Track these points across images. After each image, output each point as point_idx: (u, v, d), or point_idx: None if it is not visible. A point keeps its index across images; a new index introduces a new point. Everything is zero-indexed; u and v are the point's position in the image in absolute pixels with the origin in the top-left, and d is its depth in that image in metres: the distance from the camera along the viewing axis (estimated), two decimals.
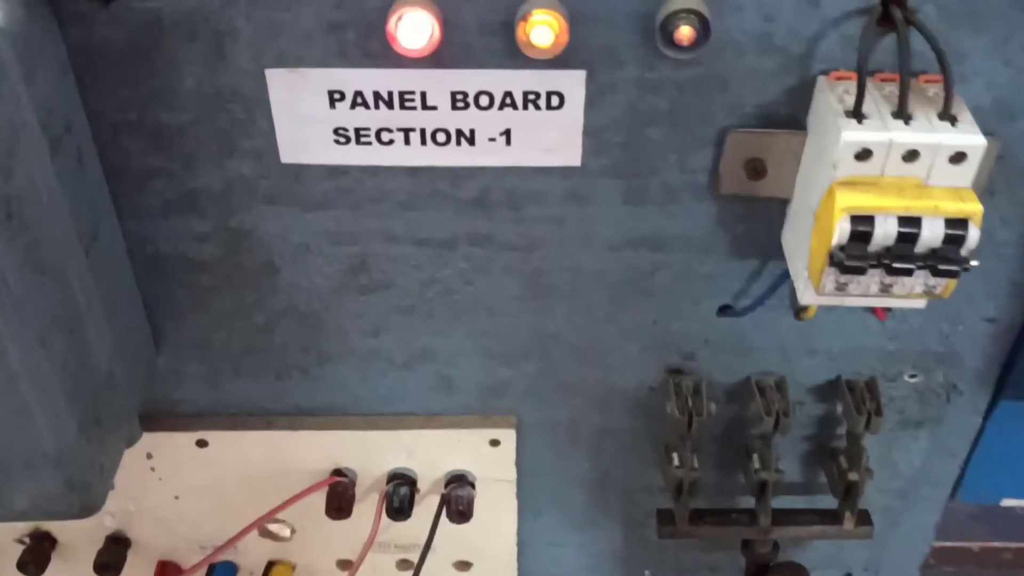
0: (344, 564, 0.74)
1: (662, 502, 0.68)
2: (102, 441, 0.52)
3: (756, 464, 0.63)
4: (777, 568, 0.69)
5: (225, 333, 0.60)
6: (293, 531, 0.72)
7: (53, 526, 0.70)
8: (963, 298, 0.58)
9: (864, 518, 0.66)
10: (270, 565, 0.73)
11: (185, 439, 0.65)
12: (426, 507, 0.68)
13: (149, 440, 0.63)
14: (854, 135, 0.45)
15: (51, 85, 0.45)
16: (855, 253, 0.45)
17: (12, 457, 0.48)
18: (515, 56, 0.48)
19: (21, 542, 0.71)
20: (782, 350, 0.61)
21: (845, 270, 0.46)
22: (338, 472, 0.67)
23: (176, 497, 0.69)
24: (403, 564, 0.73)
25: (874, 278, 0.47)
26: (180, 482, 0.68)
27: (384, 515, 0.67)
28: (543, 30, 0.46)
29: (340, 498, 0.66)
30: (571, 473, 0.69)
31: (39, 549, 0.70)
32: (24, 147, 0.42)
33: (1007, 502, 0.69)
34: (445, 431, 0.65)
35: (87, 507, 0.51)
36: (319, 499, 0.68)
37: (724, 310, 0.59)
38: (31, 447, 0.48)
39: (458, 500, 0.66)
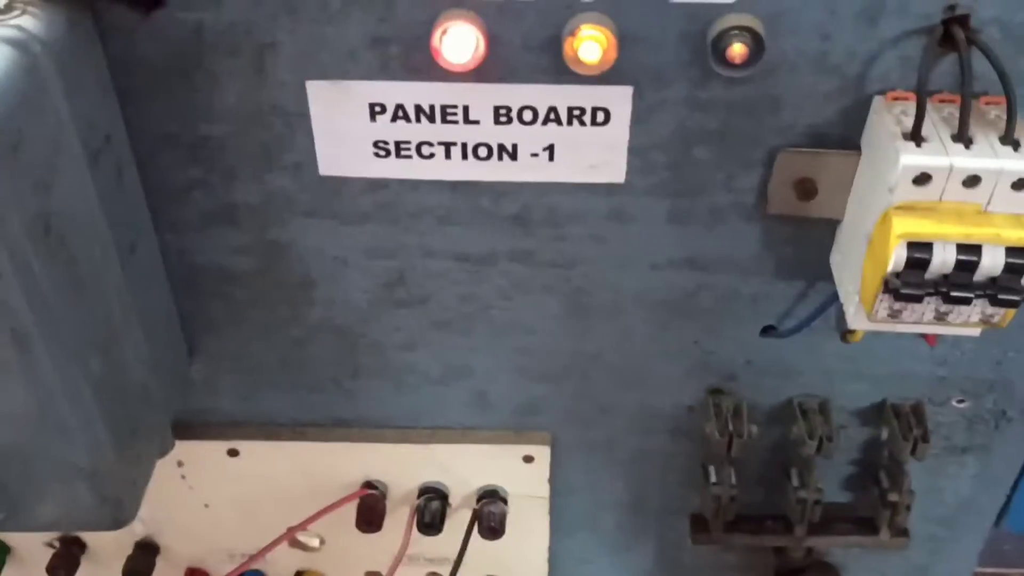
0: (372, 575, 0.73)
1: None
2: (135, 454, 0.51)
3: (795, 482, 0.62)
4: (810, 568, 0.67)
5: (260, 345, 0.60)
6: (322, 542, 0.71)
7: (83, 532, 0.70)
8: (1016, 325, 0.56)
9: (900, 531, 0.64)
10: (299, 575, 0.73)
11: (217, 448, 0.64)
12: (458, 521, 0.67)
13: (181, 449, 0.62)
14: (913, 159, 0.43)
15: (91, 98, 0.45)
16: (911, 281, 0.44)
17: (46, 470, 0.48)
18: (560, 72, 0.47)
19: (51, 546, 0.71)
20: (826, 373, 0.60)
21: (900, 297, 0.44)
22: (369, 485, 0.66)
23: (206, 505, 0.68)
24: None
25: (930, 306, 0.45)
26: (211, 491, 0.67)
27: (415, 529, 0.66)
28: (591, 45, 0.45)
29: (371, 511, 0.65)
30: (605, 493, 0.68)
31: (69, 554, 0.70)
32: (64, 162, 0.42)
33: None
34: (479, 446, 0.64)
35: (118, 520, 0.51)
36: (350, 511, 0.67)
37: (768, 331, 0.58)
38: (65, 461, 0.47)
39: (490, 516, 0.65)
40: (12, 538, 0.71)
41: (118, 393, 0.48)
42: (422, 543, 0.69)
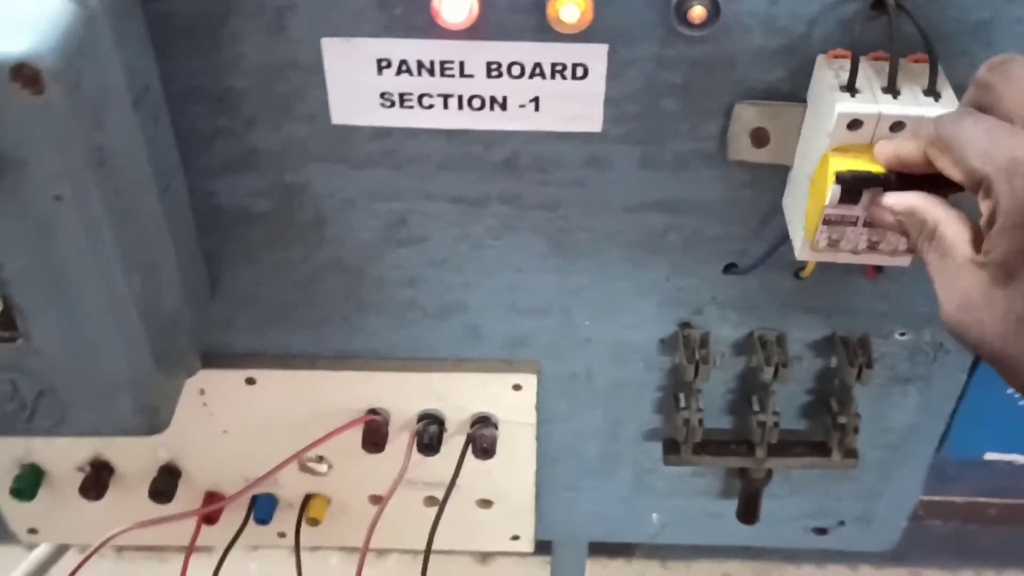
0: (376, 499, 0.80)
1: None
2: (169, 369, 0.58)
3: (756, 407, 0.69)
4: None
5: (275, 282, 0.66)
6: (330, 467, 0.78)
7: (112, 456, 0.77)
8: None
9: (850, 453, 0.71)
10: (307, 498, 0.80)
11: (236, 376, 0.71)
12: (453, 447, 0.74)
13: (202, 377, 0.69)
14: (847, 106, 0.50)
15: (134, 50, 0.51)
16: (844, 213, 0.51)
17: (93, 379, 0.54)
18: (544, 31, 0.53)
19: (81, 470, 0.78)
20: (782, 307, 0.67)
21: (834, 222, 0.51)
22: (373, 411, 0.73)
23: (225, 432, 0.75)
24: (430, 500, 0.80)
25: (862, 236, 0.52)
26: (229, 418, 0.74)
27: (415, 451, 0.73)
28: (571, 8, 0.52)
29: (375, 434, 0.72)
30: (586, 422, 0.75)
31: (98, 477, 0.77)
32: (113, 104, 0.48)
33: (990, 456, 0.74)
34: (472, 375, 0.71)
35: (154, 427, 0.58)
36: (355, 438, 0.74)
37: (729, 268, 0.65)
38: (111, 371, 0.54)
39: (483, 438, 0.72)
40: (45, 462, 0.77)
41: (156, 313, 0.55)
42: (420, 468, 0.76)
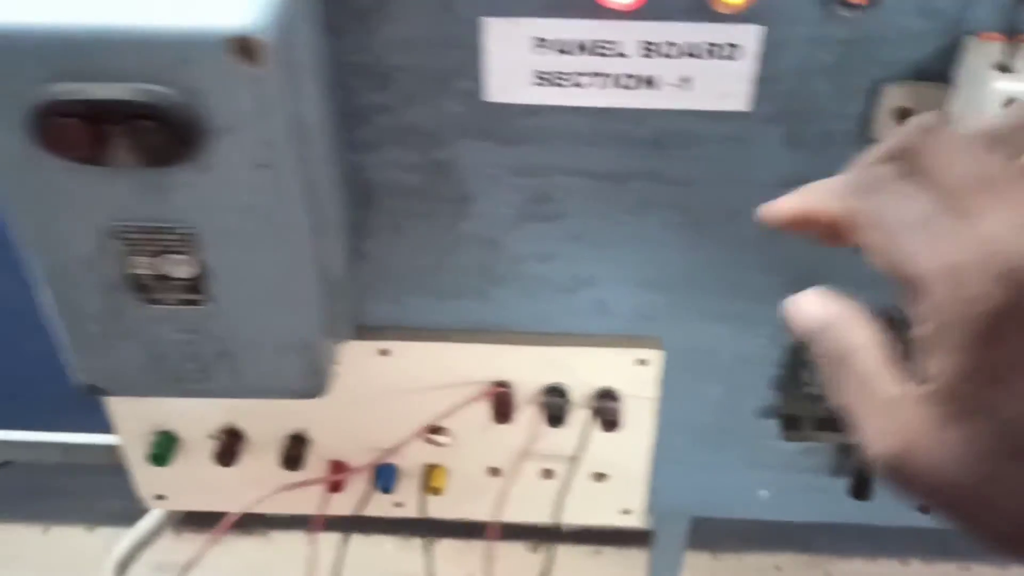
0: (494, 471, 0.82)
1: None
2: (333, 335, 0.61)
3: None
4: None
5: (415, 255, 0.69)
6: (452, 438, 0.81)
7: (243, 424, 0.80)
8: None
9: None
10: (428, 468, 0.82)
11: (370, 347, 0.74)
12: (575, 420, 0.76)
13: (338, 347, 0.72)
14: (1003, 85, 0.52)
15: (314, 28, 0.54)
16: None
17: (269, 341, 0.57)
18: (701, 11, 0.55)
19: (212, 438, 0.81)
20: None
21: None
22: (500, 383, 0.75)
23: (354, 401, 0.78)
24: (545, 473, 0.82)
25: None
26: (360, 387, 0.77)
27: (541, 423, 0.75)
28: None
29: (504, 405, 0.74)
30: (706, 396, 0.77)
31: (231, 444, 0.80)
32: (305, 77, 0.51)
33: None
34: (597, 349, 0.73)
35: (318, 389, 0.60)
36: (478, 412, 0.77)
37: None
38: (285, 334, 0.57)
39: (608, 411, 0.74)
40: (179, 430, 0.81)
41: (326, 279, 0.58)
42: (539, 440, 0.78)
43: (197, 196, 0.50)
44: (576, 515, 0.85)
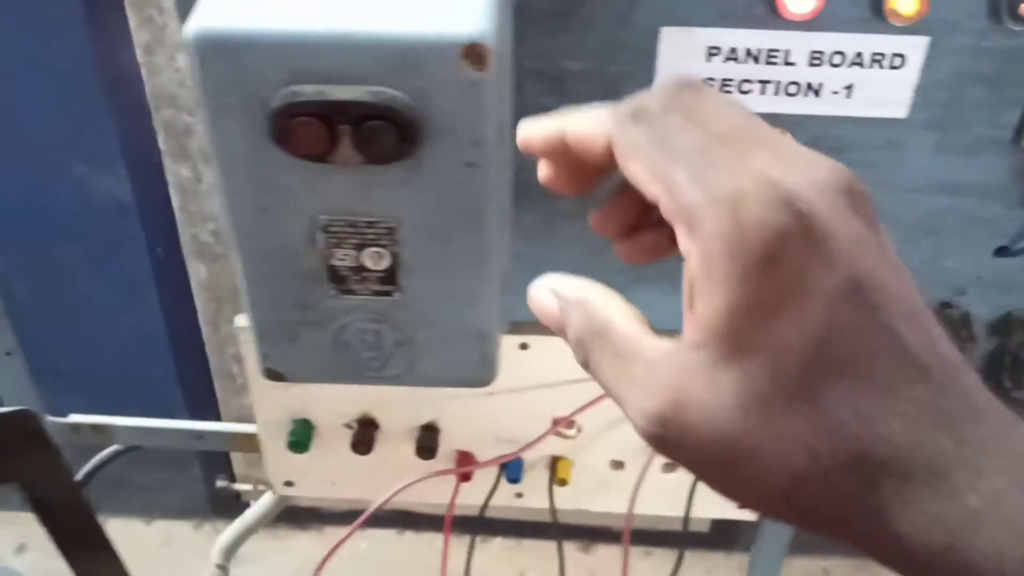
0: (616, 464, 0.85)
1: None
2: (502, 325, 0.64)
3: (1008, 384, 0.73)
4: None
5: (565, 253, 0.72)
6: (579, 431, 0.83)
7: (378, 413, 0.83)
8: None
9: None
10: (554, 460, 0.85)
11: (511, 341, 0.77)
12: None
13: None
14: None
15: (509, 39, 0.57)
16: None
17: (448, 331, 0.60)
18: (869, 22, 0.58)
19: (348, 427, 0.84)
20: None
21: None
22: None
23: (489, 393, 0.81)
24: (667, 467, 0.85)
25: None
26: (498, 380, 0.80)
27: None
28: (907, 1, 0.56)
29: None
30: None
31: (366, 433, 0.83)
32: (505, 80, 0.54)
33: None
34: None
35: (488, 378, 0.63)
36: (608, 405, 0.79)
37: (1001, 251, 0.69)
38: (465, 323, 0.60)
39: None
40: (315, 419, 0.84)
41: (501, 270, 0.61)
42: None
43: (406, 192, 0.53)
44: (697, 508, 0.87)
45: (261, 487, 2.28)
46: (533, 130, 0.35)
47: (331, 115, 0.49)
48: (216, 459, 2.19)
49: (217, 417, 2.09)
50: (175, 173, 1.68)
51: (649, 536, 2.27)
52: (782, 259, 0.27)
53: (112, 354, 1.86)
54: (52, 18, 1.42)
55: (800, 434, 0.27)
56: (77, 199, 1.63)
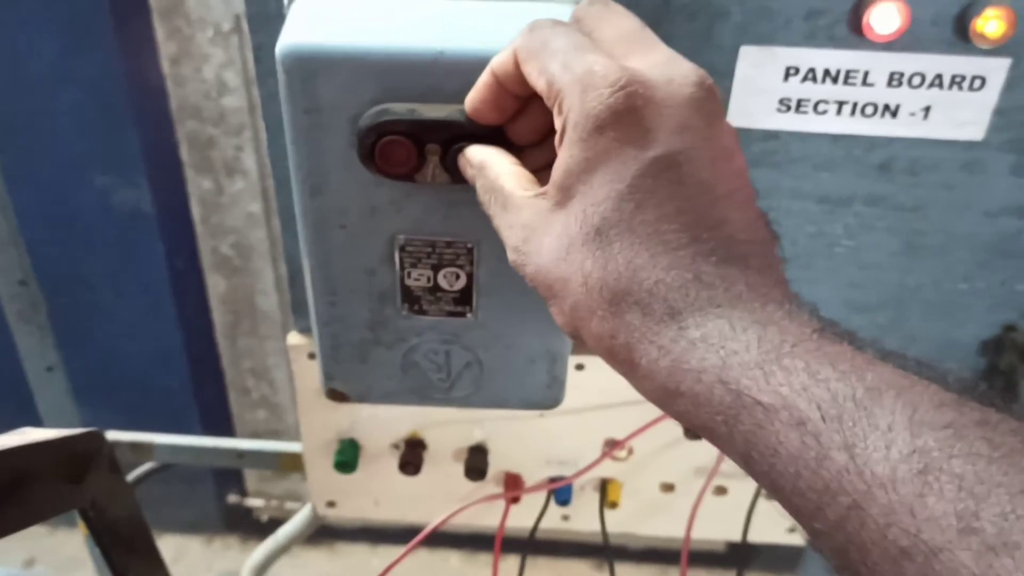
0: (667, 487, 0.84)
1: None
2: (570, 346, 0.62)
3: None
4: None
5: None
6: (630, 453, 0.82)
7: (427, 434, 0.82)
8: None
9: None
10: (603, 482, 0.84)
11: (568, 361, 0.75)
12: None
13: None
14: None
15: None
16: None
17: (518, 352, 0.59)
18: (950, 45, 0.57)
19: (395, 447, 0.83)
20: None
21: None
22: None
23: (541, 415, 0.80)
24: (719, 490, 0.83)
25: None
26: None
27: None
28: (994, 23, 0.55)
29: None
30: None
31: (414, 453, 0.82)
32: None
33: None
34: None
35: (556, 400, 0.62)
36: (661, 427, 0.78)
37: None
38: (536, 344, 0.59)
39: None
40: (362, 439, 0.82)
41: None
42: (699, 456, 0.79)
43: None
44: (738, 531, 0.86)
45: (274, 502, 2.27)
46: (476, 94, 0.43)
47: (421, 134, 0.48)
48: (228, 474, 2.18)
49: (231, 432, 2.07)
50: (197, 185, 1.67)
51: (664, 555, 2.26)
52: (608, 130, 0.33)
53: (128, 366, 1.85)
54: (80, 28, 1.41)
55: (586, 271, 0.34)
56: (98, 210, 1.62)
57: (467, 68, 0.47)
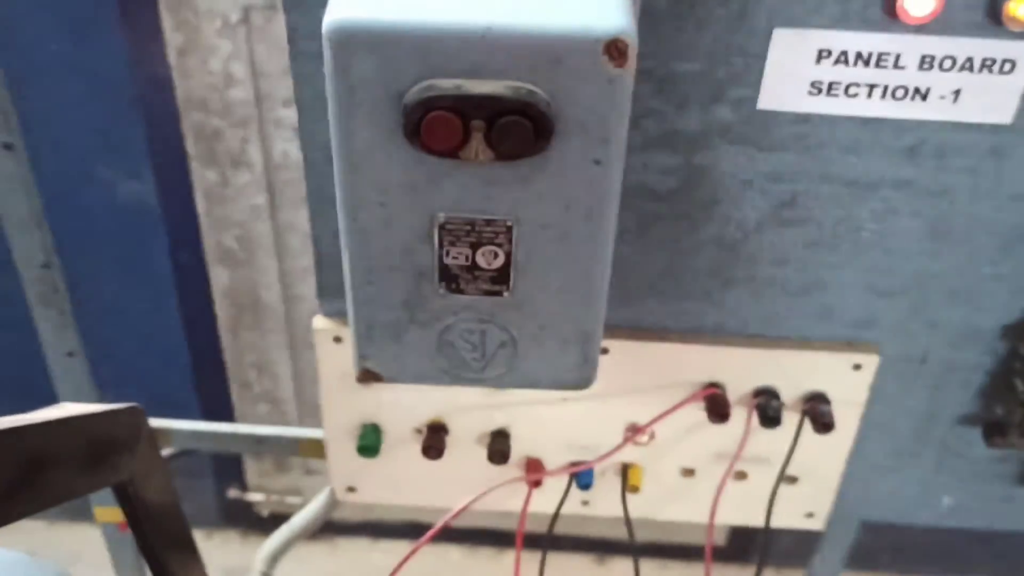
0: (687, 472, 0.84)
1: (979, 434, 0.78)
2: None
3: None
4: None
5: (654, 256, 0.71)
6: (652, 437, 0.82)
7: (448, 419, 0.82)
8: None
9: None
10: (624, 467, 0.84)
11: None
12: (785, 422, 0.78)
13: None
14: None
15: None
16: None
17: (553, 332, 0.59)
18: (982, 28, 0.58)
19: (418, 431, 0.83)
20: None
21: None
22: (712, 385, 0.77)
23: (563, 399, 0.80)
24: (739, 475, 0.84)
25: None
26: None
27: (755, 424, 0.77)
28: None
29: (721, 405, 0.76)
30: (909, 402, 0.79)
31: (437, 438, 0.82)
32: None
33: None
34: (817, 353, 0.75)
35: (589, 380, 0.62)
36: (682, 411, 0.78)
37: None
38: (571, 325, 0.59)
39: (823, 414, 0.76)
40: (385, 424, 0.83)
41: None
42: (720, 441, 0.80)
43: (530, 190, 0.52)
44: (757, 517, 0.86)
45: (275, 497, 2.26)
46: None
47: (466, 110, 0.48)
48: (228, 468, 2.17)
49: None
50: (202, 177, 1.67)
51: (664, 549, 2.26)
52: None
53: (130, 358, 1.84)
54: (86, 18, 1.41)
55: None
56: (102, 201, 1.62)
57: (514, 44, 0.47)
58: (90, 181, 1.59)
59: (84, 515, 1.99)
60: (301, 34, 0.62)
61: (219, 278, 1.81)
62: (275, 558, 1.08)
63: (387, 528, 2.23)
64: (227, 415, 2.06)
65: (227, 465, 2.13)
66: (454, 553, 2.36)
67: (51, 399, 0.62)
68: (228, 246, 1.76)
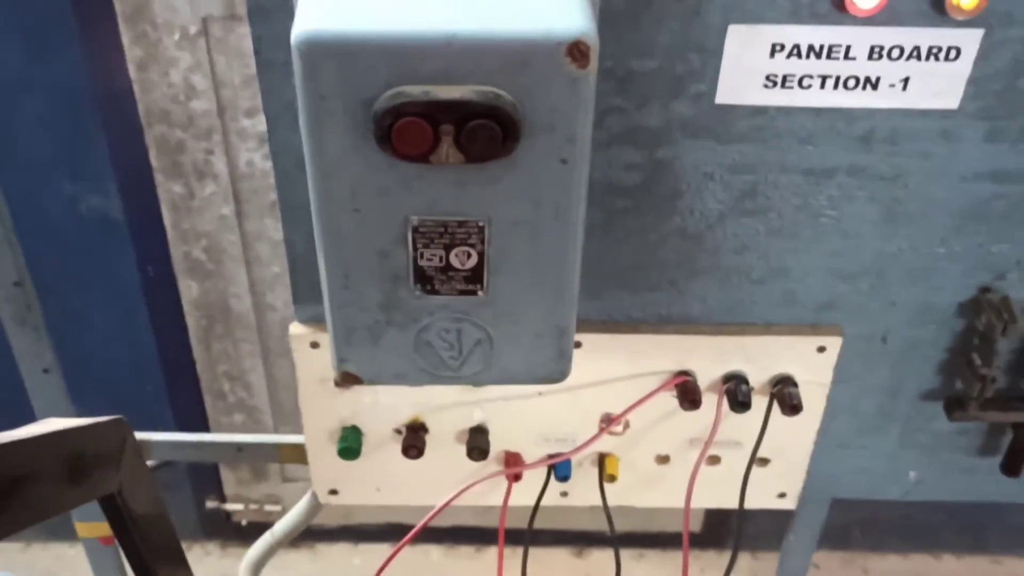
0: (662, 459, 0.86)
1: (941, 409, 0.81)
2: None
3: None
4: None
5: (621, 250, 0.73)
6: (626, 427, 0.84)
7: (426, 418, 0.83)
8: None
9: None
10: (601, 457, 0.86)
11: None
12: (755, 406, 0.80)
13: None
14: None
15: None
16: None
17: (528, 328, 0.61)
18: (927, 17, 0.60)
19: (397, 432, 0.84)
20: None
21: None
22: (683, 373, 0.79)
23: (540, 393, 0.81)
24: (712, 460, 0.86)
25: None
26: None
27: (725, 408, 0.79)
28: None
29: (692, 392, 0.78)
30: (871, 380, 0.81)
31: (416, 437, 0.83)
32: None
33: None
34: (782, 338, 0.77)
35: (564, 373, 0.64)
36: (656, 399, 0.80)
37: None
38: (545, 320, 0.60)
39: (790, 396, 0.78)
40: (364, 426, 0.84)
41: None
42: (692, 427, 0.82)
43: (500, 190, 0.54)
44: (731, 499, 0.88)
45: (253, 506, 2.25)
46: None
47: (436, 115, 0.49)
48: (205, 479, 2.16)
49: None
50: (167, 190, 1.66)
51: (641, 538, 2.29)
52: None
53: (102, 373, 1.83)
54: (45, 33, 1.40)
55: None
56: (67, 217, 1.61)
57: (479, 49, 0.49)
58: (55, 197, 1.58)
59: (60, 534, 1.96)
60: (267, 44, 0.63)
61: (189, 289, 1.81)
62: (259, 565, 1.09)
63: (367, 532, 2.23)
64: (202, 426, 2.05)
65: (204, 476, 2.12)
66: (434, 552, 2.37)
67: (28, 417, 0.62)
68: (196, 257, 1.76)
